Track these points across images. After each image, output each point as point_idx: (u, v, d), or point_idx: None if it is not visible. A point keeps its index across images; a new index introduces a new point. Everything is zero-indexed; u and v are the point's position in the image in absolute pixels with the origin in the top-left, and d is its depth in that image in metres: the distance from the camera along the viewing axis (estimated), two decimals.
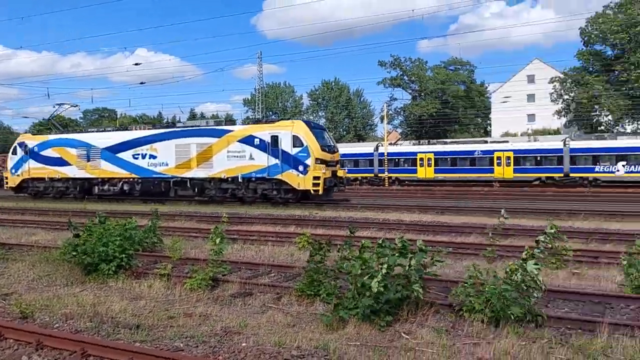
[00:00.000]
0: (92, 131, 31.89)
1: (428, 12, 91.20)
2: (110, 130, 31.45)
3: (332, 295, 7.07)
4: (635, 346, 5.69)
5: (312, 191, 23.99)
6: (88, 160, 29.76)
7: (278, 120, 26.78)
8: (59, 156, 30.77)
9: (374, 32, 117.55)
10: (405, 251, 6.93)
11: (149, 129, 29.80)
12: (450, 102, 70.45)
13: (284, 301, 7.93)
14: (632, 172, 33.50)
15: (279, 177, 24.62)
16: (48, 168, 31.14)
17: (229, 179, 25.77)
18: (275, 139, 24.67)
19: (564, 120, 57.54)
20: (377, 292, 6.50)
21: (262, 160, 24.81)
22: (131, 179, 28.61)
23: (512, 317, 6.34)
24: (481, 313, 6.58)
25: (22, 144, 32.85)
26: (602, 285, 8.84)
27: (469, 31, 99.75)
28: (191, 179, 26.75)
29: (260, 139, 24.94)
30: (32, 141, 32.71)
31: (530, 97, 67.68)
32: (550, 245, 10.56)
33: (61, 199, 30.73)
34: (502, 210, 8.47)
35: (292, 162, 24.23)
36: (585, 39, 52.04)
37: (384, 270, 6.51)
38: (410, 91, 74.86)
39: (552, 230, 6.97)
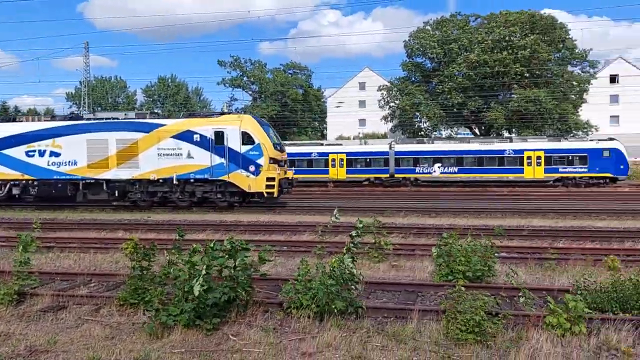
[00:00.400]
0: None
1: (265, 14, 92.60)
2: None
3: (154, 301, 6.68)
4: (440, 329, 6.30)
5: (265, 194, 21.71)
6: None
7: (221, 114, 23.56)
8: None
9: (214, 31, 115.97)
10: (234, 252, 6.84)
11: (46, 120, 24.65)
12: (289, 105, 72.33)
13: (104, 312, 7.32)
14: (446, 172, 37.63)
15: (224, 178, 21.88)
16: None
17: (160, 181, 22.34)
18: (220, 135, 21.85)
19: (390, 125, 62.62)
20: (200, 295, 6.31)
21: (204, 159, 21.90)
22: (23, 181, 23.37)
23: (336, 311, 6.61)
24: (308, 309, 6.76)
25: None
26: (417, 275, 9.71)
27: (307, 36, 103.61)
28: (109, 181, 22.72)
29: (201, 135, 21.91)
30: None
31: (362, 103, 72.56)
32: (374, 240, 11.41)
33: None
34: (335, 210, 8.87)
35: (241, 161, 21.70)
36: (409, 51, 57.19)
37: (203, 272, 6.34)
38: (250, 92, 75.29)
39: (361, 225, 7.41)
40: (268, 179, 21.59)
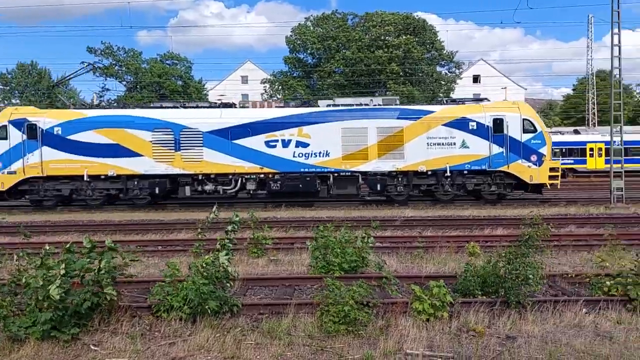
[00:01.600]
0: (180, 107, 21.56)
1: (135, 1, 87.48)
2: (213, 107, 21.54)
3: (2, 312, 5.96)
4: (314, 322, 6.33)
5: (548, 185, 20.49)
6: (177, 150, 20.29)
7: (489, 101, 21.86)
8: (114, 142, 20.18)
9: (84, 16, 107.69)
10: (94, 252, 6.30)
11: (279, 106, 21.23)
12: (167, 97, 69.36)
13: None
14: None
15: (503, 169, 20.28)
16: (89, 160, 20.20)
17: (428, 173, 20.36)
18: (498, 122, 20.19)
19: None
20: (60, 300, 5.73)
21: (481, 148, 20.16)
22: (262, 175, 20.49)
23: (209, 311, 6.36)
24: (180, 311, 6.44)
25: (19, 123, 20.22)
26: (295, 269, 9.73)
27: (187, 26, 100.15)
28: (367, 174, 20.43)
29: (478, 123, 20.17)
30: (48, 118, 20.36)
31: (245, 97, 71.75)
32: (253, 236, 11.27)
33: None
34: (214, 206, 8.61)
35: (521, 150, 20.16)
36: (291, 46, 57.60)
37: (62, 272, 5.78)
38: (125, 82, 70.99)
39: (237, 219, 7.25)
40: (551, 169, 20.55)
